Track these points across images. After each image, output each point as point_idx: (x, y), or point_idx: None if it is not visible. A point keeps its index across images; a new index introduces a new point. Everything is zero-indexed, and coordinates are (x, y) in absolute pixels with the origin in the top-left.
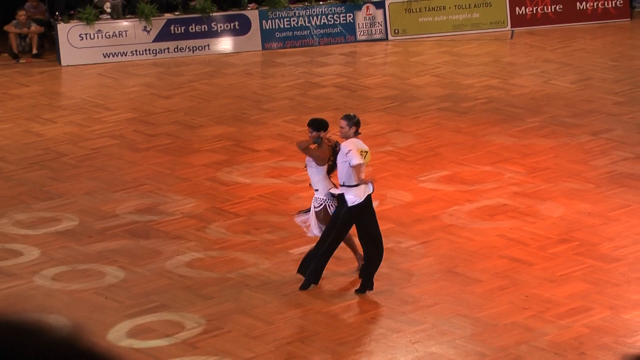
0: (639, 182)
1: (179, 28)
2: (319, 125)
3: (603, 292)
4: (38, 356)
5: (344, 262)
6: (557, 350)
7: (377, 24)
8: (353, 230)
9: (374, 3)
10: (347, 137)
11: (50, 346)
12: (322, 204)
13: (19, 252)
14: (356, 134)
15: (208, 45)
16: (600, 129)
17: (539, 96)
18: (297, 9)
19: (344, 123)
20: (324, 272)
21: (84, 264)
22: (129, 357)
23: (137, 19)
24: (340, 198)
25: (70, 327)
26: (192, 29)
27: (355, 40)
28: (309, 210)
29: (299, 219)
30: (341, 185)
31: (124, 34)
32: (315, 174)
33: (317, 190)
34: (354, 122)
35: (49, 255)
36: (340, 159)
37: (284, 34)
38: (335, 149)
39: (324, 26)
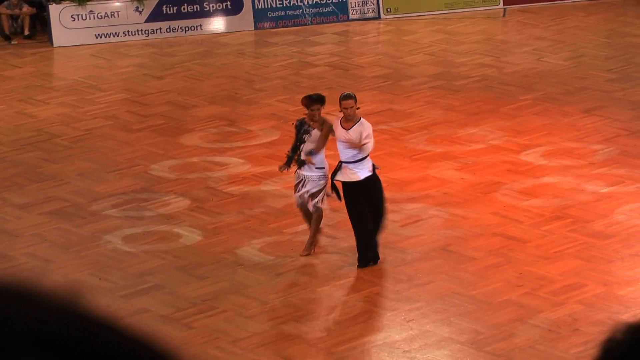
0: (631, 159)
1: (171, 8)
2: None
3: (596, 268)
4: (33, 320)
5: (338, 241)
6: (551, 327)
7: (369, 2)
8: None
9: None
10: (353, 118)
11: (47, 310)
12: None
13: (14, 233)
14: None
15: (200, 25)
16: (593, 106)
17: (532, 74)
18: None
19: (352, 102)
20: (322, 251)
21: (77, 245)
22: (126, 321)
23: (129, 0)
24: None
25: (68, 290)
26: (184, 9)
27: (348, 19)
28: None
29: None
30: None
31: (116, 14)
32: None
33: (323, 167)
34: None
35: (43, 237)
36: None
37: (276, 13)
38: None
39: (316, 5)
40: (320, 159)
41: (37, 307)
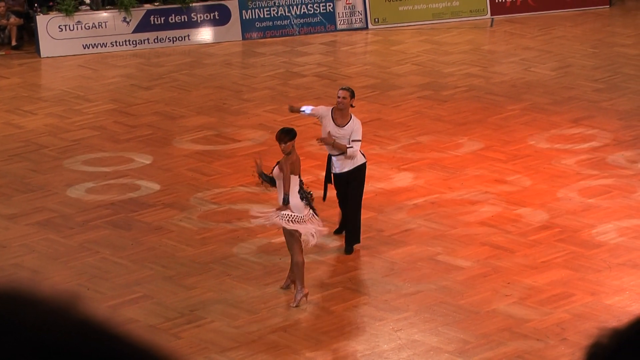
0: (619, 169)
1: (159, 19)
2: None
3: (584, 278)
4: (34, 326)
5: (325, 252)
6: (539, 336)
7: (357, 12)
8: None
9: None
10: (345, 111)
11: (47, 315)
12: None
13: (1, 244)
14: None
15: (188, 35)
16: (580, 116)
17: (519, 84)
18: None
19: (347, 94)
20: (309, 262)
21: (65, 256)
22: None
23: (117, 10)
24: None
25: (67, 296)
26: (171, 19)
27: (336, 30)
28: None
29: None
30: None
31: (103, 25)
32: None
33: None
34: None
35: (31, 248)
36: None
37: (264, 23)
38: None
39: (304, 15)
40: (293, 203)
41: (34, 312)
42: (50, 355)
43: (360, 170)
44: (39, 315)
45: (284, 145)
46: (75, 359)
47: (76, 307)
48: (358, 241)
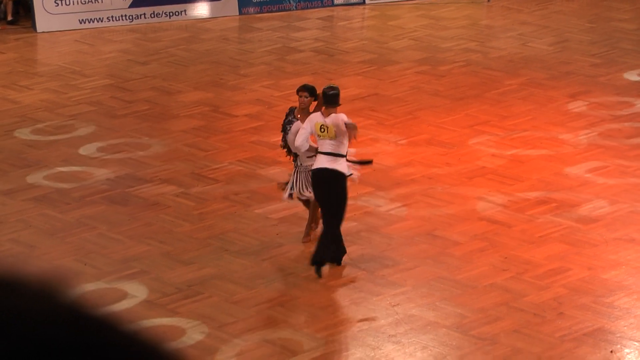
0: (616, 143)
1: None
2: (313, 90)
3: (581, 252)
4: (17, 315)
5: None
6: (536, 310)
7: None
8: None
9: None
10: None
11: (31, 303)
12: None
13: None
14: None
15: (185, 10)
16: (577, 91)
17: (517, 59)
18: None
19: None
20: (304, 236)
21: (62, 231)
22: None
23: None
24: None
25: (52, 280)
26: None
27: (333, 5)
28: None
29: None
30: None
31: None
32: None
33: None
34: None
35: (27, 223)
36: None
37: None
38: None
39: None
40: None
41: (17, 300)
42: (36, 346)
43: (339, 179)
44: (23, 303)
45: (303, 99)
46: (63, 349)
47: (62, 292)
48: (345, 251)
